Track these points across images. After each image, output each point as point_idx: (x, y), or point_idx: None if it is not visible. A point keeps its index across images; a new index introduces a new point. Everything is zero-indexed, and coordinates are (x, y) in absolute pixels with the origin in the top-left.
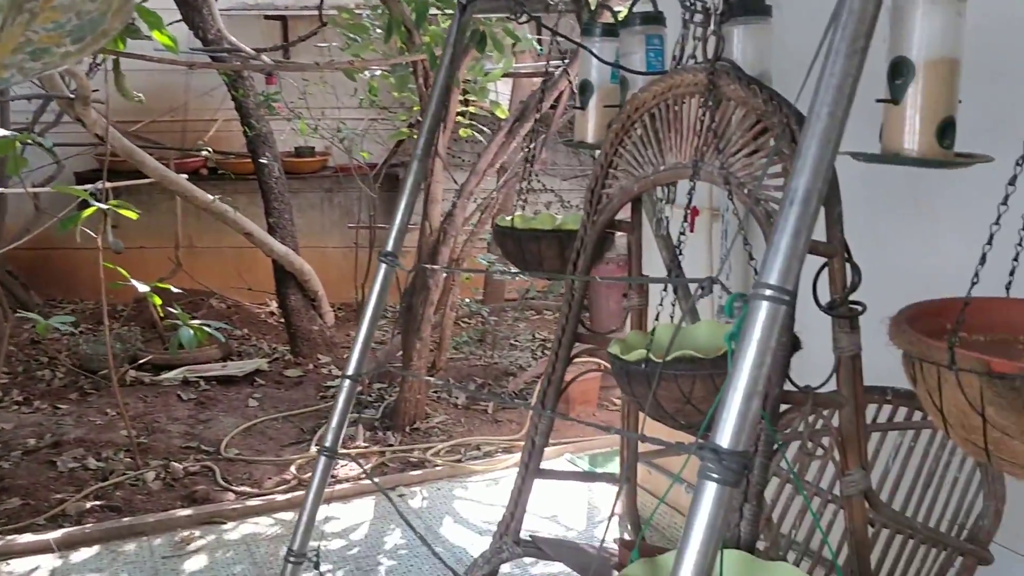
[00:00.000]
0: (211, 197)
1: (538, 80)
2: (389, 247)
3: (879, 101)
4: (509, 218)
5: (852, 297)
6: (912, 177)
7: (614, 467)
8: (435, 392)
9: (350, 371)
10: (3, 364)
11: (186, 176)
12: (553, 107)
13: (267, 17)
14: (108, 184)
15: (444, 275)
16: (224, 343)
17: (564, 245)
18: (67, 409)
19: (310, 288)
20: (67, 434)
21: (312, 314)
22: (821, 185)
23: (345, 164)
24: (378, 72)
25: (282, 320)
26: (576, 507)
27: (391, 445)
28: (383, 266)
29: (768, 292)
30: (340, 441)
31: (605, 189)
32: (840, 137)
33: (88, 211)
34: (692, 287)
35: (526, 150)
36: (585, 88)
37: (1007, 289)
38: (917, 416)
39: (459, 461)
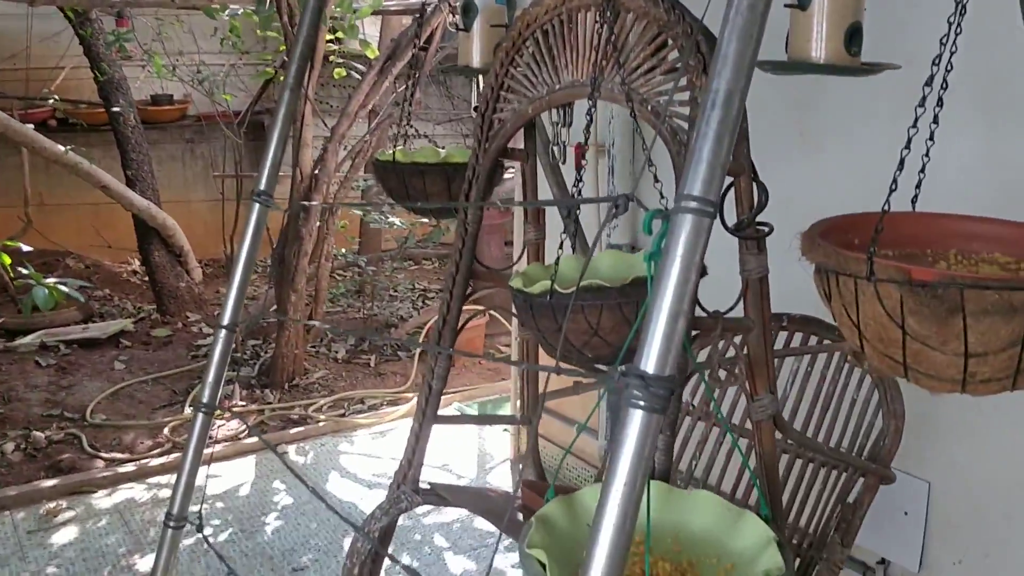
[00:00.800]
0: (62, 148)
1: (408, 20)
2: (262, 186)
3: (787, 6)
4: (390, 152)
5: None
6: (797, 111)
7: (505, 413)
8: (313, 347)
9: (225, 321)
10: None
11: (32, 127)
12: (425, 48)
13: None
14: None
15: (318, 224)
16: (84, 303)
17: (451, 179)
18: None
19: (175, 243)
20: None
21: (178, 270)
22: (744, 85)
23: (207, 112)
24: (240, 11)
25: (146, 279)
26: (467, 456)
27: (270, 403)
28: (256, 206)
29: (692, 204)
30: (218, 397)
31: (497, 114)
32: (761, 34)
33: None
34: (606, 207)
35: (398, 92)
36: (469, 8)
37: (913, 204)
38: (812, 341)
39: (343, 416)
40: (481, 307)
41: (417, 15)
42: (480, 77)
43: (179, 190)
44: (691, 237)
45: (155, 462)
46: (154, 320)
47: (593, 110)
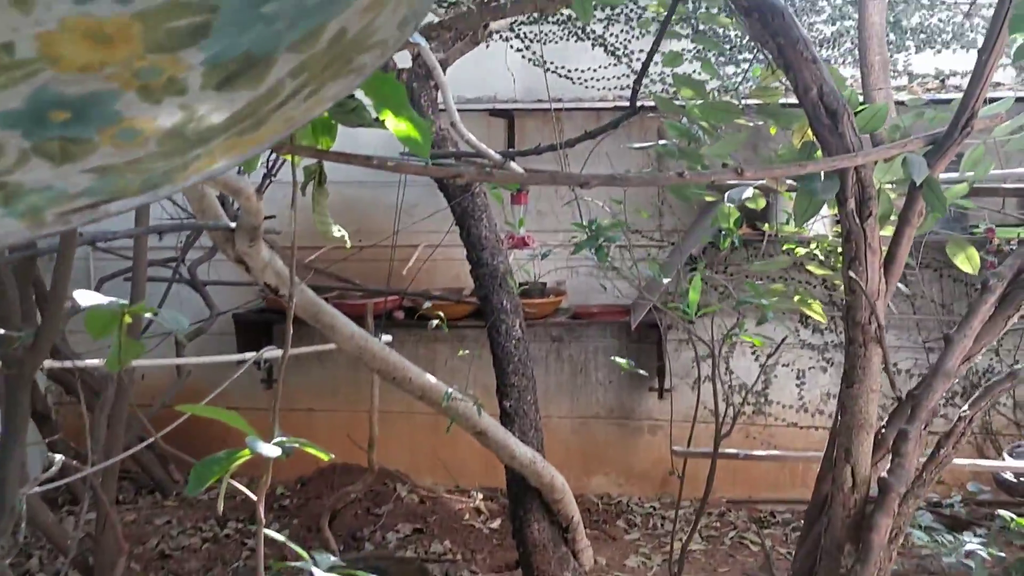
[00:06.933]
0: (444, 388)
1: None
2: None
3: None
4: None
5: None
6: None
7: None
8: None
9: None
10: None
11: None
12: None
13: (493, 113)
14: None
15: None
16: None
17: None
18: None
19: (562, 512)
20: None
21: (563, 552)
22: None
23: (585, 306)
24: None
25: (493, 526)
26: None
27: None
28: None
29: None
30: None
31: None
32: None
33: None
34: None
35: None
36: None
37: None
38: None
39: None
40: None
41: None
42: None
43: (539, 403)
44: None
45: None
46: None
47: None
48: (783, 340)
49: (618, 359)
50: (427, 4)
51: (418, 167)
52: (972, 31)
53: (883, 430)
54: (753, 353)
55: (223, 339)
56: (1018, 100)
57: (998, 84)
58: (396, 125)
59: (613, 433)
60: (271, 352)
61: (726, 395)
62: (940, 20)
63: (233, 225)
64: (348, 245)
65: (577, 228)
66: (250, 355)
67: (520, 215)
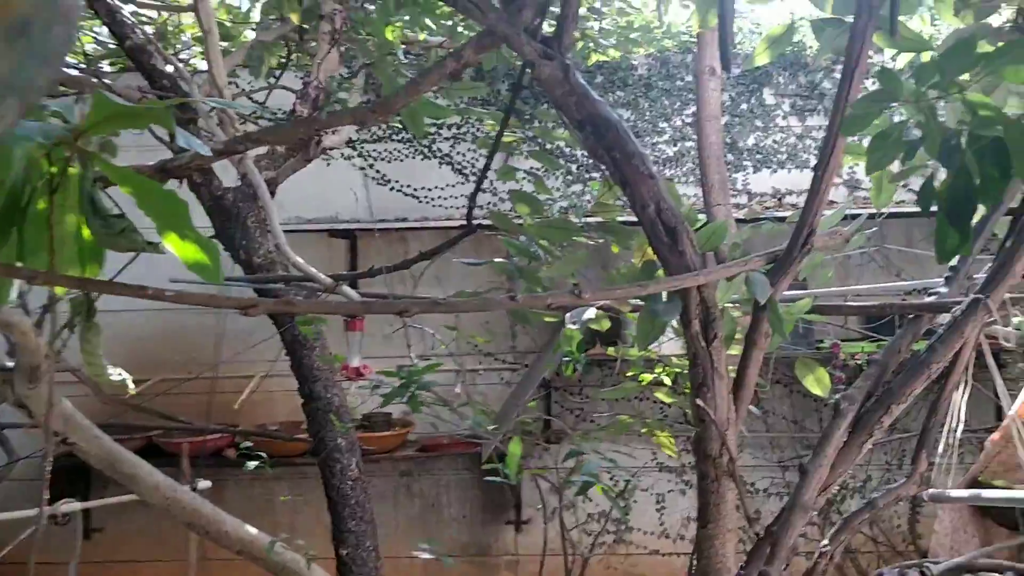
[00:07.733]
0: (255, 532)
1: None
2: None
3: None
4: None
5: None
6: None
7: None
8: None
9: None
10: None
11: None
12: None
13: (333, 234)
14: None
15: None
16: None
17: None
18: None
19: None
20: None
21: None
22: None
23: (435, 438)
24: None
25: None
26: None
27: None
28: None
29: None
30: None
31: None
32: None
33: None
34: None
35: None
36: None
37: None
38: None
39: None
40: None
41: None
42: None
43: (389, 543)
44: None
45: None
46: None
47: None
48: (638, 469)
49: (447, 559)
50: (33, 78)
51: (201, 296)
52: (805, 152)
53: (742, 572)
54: (612, 478)
55: (36, 485)
56: (852, 216)
57: (832, 202)
58: (181, 249)
59: (469, 572)
60: (69, 506)
61: (581, 527)
62: (775, 141)
63: (10, 364)
64: (131, 391)
65: (387, 375)
66: (48, 509)
67: (357, 342)
